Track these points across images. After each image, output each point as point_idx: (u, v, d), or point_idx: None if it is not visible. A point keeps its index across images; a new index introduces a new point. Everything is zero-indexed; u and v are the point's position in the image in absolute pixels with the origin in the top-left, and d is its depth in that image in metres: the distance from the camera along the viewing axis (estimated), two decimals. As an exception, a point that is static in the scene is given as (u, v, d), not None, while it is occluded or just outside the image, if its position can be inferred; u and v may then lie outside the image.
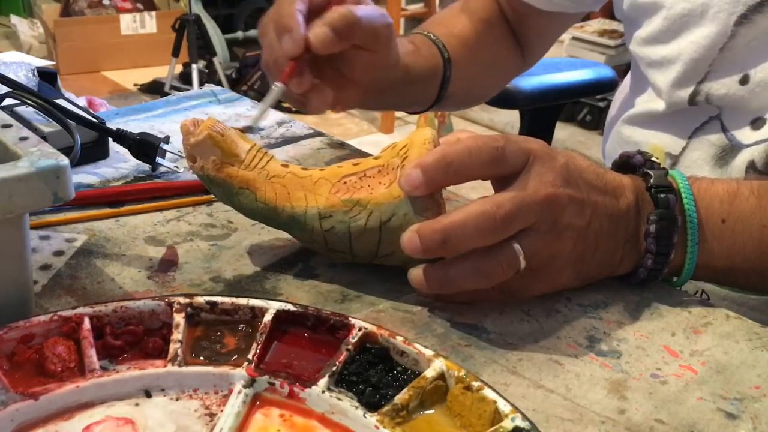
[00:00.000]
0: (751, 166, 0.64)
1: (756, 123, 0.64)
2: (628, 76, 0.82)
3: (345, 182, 0.50)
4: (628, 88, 0.80)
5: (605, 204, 0.49)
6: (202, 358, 0.41)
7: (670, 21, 0.66)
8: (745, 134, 0.64)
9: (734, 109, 0.65)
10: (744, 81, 0.63)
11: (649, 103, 0.71)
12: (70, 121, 0.62)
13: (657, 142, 0.70)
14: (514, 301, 0.50)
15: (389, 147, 0.51)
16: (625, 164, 0.54)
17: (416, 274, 0.47)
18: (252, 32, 3.87)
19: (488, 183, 0.49)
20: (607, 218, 0.49)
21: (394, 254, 0.49)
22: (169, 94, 2.35)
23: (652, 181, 0.51)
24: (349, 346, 0.41)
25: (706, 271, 0.52)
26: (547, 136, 1.27)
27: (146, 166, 0.66)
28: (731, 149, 0.65)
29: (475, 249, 0.46)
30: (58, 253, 0.53)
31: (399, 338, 0.42)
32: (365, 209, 0.48)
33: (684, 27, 0.65)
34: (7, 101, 0.63)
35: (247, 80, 3.43)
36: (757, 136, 0.64)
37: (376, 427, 0.37)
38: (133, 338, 0.42)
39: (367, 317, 0.47)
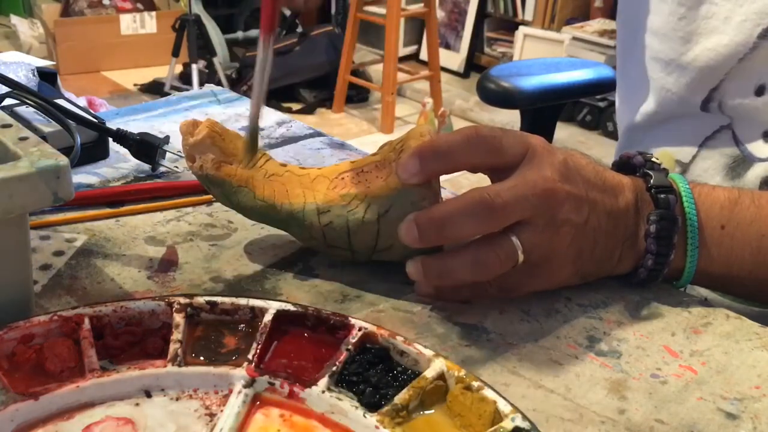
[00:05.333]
0: (766, 182, 0.63)
1: None
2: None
3: (342, 178, 0.50)
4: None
5: (604, 202, 0.49)
6: (202, 358, 0.41)
7: (689, 21, 0.64)
8: (757, 147, 0.64)
9: (746, 119, 0.64)
10: (760, 92, 0.62)
11: (652, 104, 0.70)
12: (70, 121, 0.62)
13: (667, 148, 0.70)
14: (514, 297, 0.50)
15: (386, 144, 0.51)
16: (626, 165, 0.54)
17: (414, 265, 0.47)
18: (252, 32, 3.88)
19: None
20: (605, 216, 0.49)
21: (392, 247, 0.49)
22: (169, 94, 2.35)
23: (652, 181, 0.51)
24: (349, 346, 0.41)
25: (703, 276, 0.52)
26: (547, 136, 1.26)
27: (146, 166, 0.66)
28: (743, 161, 0.65)
29: (474, 241, 0.46)
30: (58, 253, 0.53)
31: (399, 338, 0.42)
32: (363, 202, 0.48)
33: (703, 29, 0.63)
34: (7, 101, 0.63)
35: (247, 80, 3.43)
36: None
37: (376, 427, 0.37)
38: (133, 338, 0.42)
39: (367, 317, 0.47)
